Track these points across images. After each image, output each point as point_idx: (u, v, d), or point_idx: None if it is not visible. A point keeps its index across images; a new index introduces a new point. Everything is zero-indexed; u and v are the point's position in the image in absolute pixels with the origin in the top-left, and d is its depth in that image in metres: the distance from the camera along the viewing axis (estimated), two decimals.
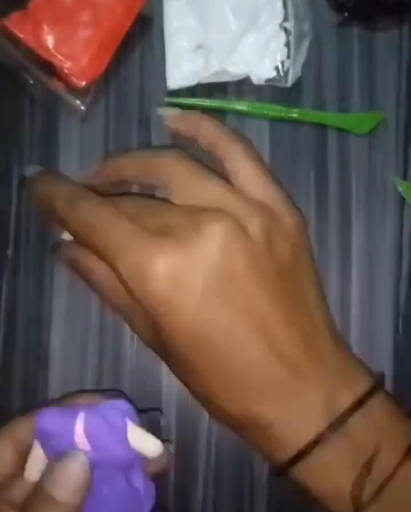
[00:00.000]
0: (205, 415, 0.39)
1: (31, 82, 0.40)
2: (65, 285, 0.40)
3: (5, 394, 0.39)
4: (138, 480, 0.33)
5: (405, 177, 0.41)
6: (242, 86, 0.41)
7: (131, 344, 0.40)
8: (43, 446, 0.31)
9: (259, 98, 0.41)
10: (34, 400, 0.39)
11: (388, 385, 0.39)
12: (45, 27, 0.36)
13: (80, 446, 0.30)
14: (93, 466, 0.30)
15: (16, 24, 0.36)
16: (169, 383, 0.39)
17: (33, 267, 0.40)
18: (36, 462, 0.32)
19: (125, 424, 0.31)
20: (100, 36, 0.38)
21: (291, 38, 0.39)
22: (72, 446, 0.30)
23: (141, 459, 0.32)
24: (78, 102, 0.40)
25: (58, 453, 0.31)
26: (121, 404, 0.31)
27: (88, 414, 0.31)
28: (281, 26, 0.39)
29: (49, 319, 0.40)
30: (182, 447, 0.39)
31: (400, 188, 0.40)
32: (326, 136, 0.41)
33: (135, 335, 0.39)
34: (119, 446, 0.31)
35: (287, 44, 0.39)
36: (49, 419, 0.31)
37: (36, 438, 0.31)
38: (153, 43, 0.41)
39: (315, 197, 0.41)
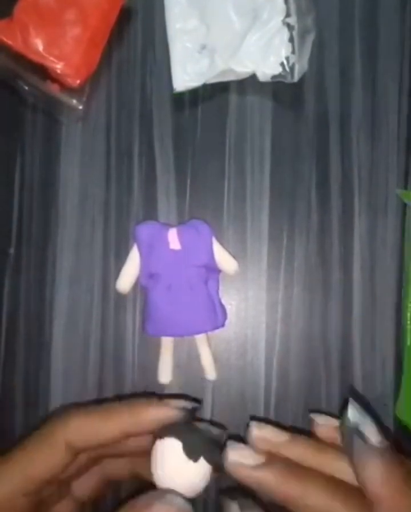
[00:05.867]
0: (207, 412, 0.40)
1: (26, 88, 0.39)
2: (66, 283, 0.41)
3: (8, 391, 0.40)
4: (214, 291, 0.39)
5: (406, 176, 0.40)
6: (244, 84, 0.40)
7: (133, 340, 0.40)
8: (140, 252, 0.38)
9: (261, 95, 0.40)
10: (36, 397, 0.40)
11: (390, 384, 0.40)
12: (32, 31, 0.36)
13: (172, 246, 0.37)
14: (180, 265, 0.37)
15: (3, 31, 0.35)
16: (171, 379, 0.40)
17: (35, 266, 0.41)
18: (129, 273, 0.39)
19: (211, 235, 0.38)
20: (88, 33, 0.37)
21: (294, 33, 0.38)
22: (166, 246, 0.37)
23: (217, 280, 0.39)
24: (75, 101, 0.39)
25: (151, 261, 0.38)
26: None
27: (180, 226, 0.38)
28: (283, 22, 0.38)
29: (51, 316, 0.41)
30: None
31: (405, 200, 0.40)
32: (328, 134, 0.40)
33: (136, 330, 0.40)
34: (204, 247, 0.38)
35: (291, 39, 0.38)
36: (149, 224, 0.39)
37: (136, 244, 0.38)
38: (155, 42, 0.40)
39: (316, 196, 0.40)
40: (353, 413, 0.30)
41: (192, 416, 0.32)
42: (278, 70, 0.39)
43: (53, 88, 0.38)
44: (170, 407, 0.32)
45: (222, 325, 0.39)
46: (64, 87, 0.39)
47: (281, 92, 0.40)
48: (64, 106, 0.40)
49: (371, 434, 0.30)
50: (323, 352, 0.40)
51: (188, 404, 0.32)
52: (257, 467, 0.30)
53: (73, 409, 0.32)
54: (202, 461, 0.30)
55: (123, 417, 0.31)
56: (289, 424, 0.39)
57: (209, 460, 0.30)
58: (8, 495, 0.30)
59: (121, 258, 0.39)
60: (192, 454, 0.30)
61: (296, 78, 0.39)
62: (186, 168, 0.41)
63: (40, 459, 0.31)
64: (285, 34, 0.38)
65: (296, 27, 0.38)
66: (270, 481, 0.30)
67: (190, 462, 0.30)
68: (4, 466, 0.30)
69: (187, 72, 0.39)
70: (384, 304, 0.40)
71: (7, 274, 0.41)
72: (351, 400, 0.31)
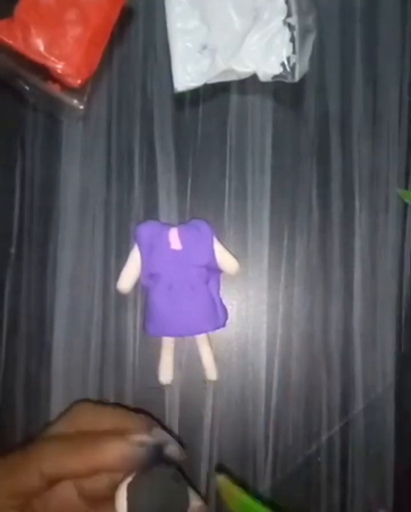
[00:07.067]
0: (208, 413, 0.40)
1: (27, 88, 0.39)
2: (67, 283, 0.41)
3: (9, 390, 0.40)
4: (215, 291, 0.39)
5: (406, 176, 0.40)
6: (245, 84, 0.40)
7: (133, 340, 0.40)
8: (141, 252, 0.38)
9: (262, 94, 0.40)
10: (37, 397, 0.40)
11: (390, 384, 0.40)
12: (33, 31, 0.36)
13: (173, 246, 0.37)
14: (181, 265, 0.37)
15: (4, 31, 0.35)
16: (172, 379, 0.40)
17: (36, 266, 0.41)
18: (130, 273, 0.39)
19: (212, 235, 0.38)
20: (89, 33, 0.37)
21: (295, 33, 0.38)
22: (167, 246, 0.37)
23: (218, 280, 0.39)
24: (76, 101, 0.39)
25: (152, 260, 0.38)
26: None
27: (181, 226, 0.39)
28: (284, 21, 0.38)
29: (52, 316, 0.40)
30: (184, 444, 0.40)
31: (406, 200, 0.40)
32: (328, 134, 0.40)
33: (137, 330, 0.40)
34: (205, 247, 0.38)
35: (292, 39, 0.38)
36: (150, 224, 0.39)
37: (137, 244, 0.38)
38: (156, 42, 0.41)
39: (317, 195, 0.40)
40: None
41: (158, 452, 0.31)
42: (279, 69, 0.39)
43: (54, 88, 0.38)
44: (132, 443, 0.30)
45: (223, 325, 0.39)
46: (65, 87, 0.39)
47: (282, 92, 0.40)
48: (65, 106, 0.40)
49: None
50: (324, 351, 0.40)
51: (151, 440, 0.31)
52: None
53: (52, 437, 0.32)
54: None
55: (88, 452, 0.30)
56: (289, 424, 0.40)
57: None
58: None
59: (121, 258, 0.39)
60: None
61: (297, 78, 0.39)
62: (187, 168, 0.41)
63: (16, 480, 0.30)
64: (286, 33, 0.38)
65: (297, 27, 0.38)
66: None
67: None
68: None
69: (188, 72, 0.39)
70: (384, 304, 0.40)
71: (8, 273, 0.40)
72: None
